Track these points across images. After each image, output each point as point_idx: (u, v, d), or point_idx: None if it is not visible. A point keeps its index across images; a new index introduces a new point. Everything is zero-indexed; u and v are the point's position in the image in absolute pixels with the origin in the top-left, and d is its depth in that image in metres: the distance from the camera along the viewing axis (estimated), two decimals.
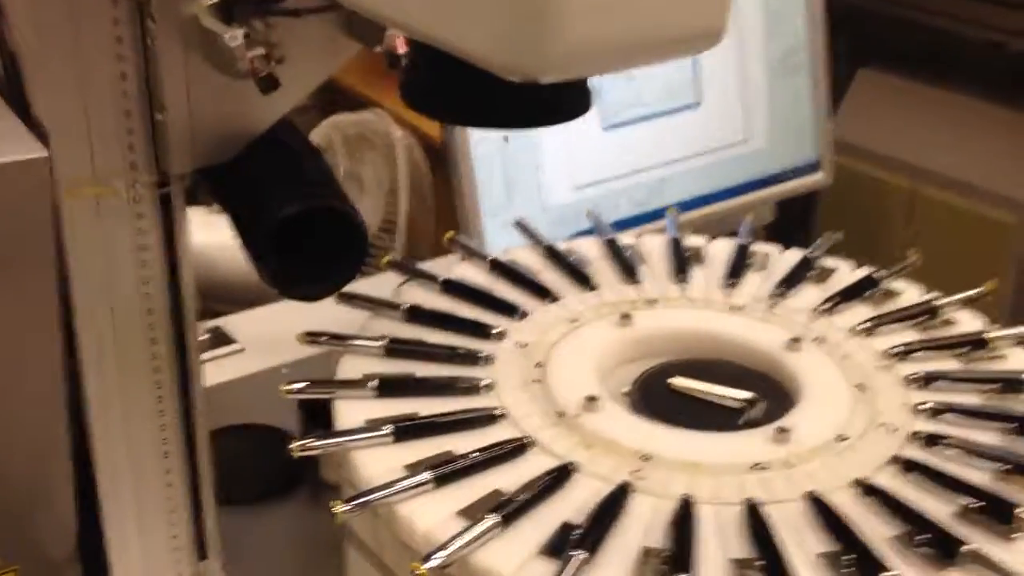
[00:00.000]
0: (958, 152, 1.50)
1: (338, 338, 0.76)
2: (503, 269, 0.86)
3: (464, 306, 0.81)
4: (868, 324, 0.80)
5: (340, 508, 0.61)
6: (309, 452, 0.66)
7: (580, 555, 0.57)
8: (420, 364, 0.74)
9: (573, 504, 0.62)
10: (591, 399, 0.70)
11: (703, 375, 0.76)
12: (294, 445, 0.65)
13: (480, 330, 0.78)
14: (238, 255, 0.70)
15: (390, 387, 0.71)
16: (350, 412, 0.69)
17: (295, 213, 0.65)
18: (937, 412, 0.71)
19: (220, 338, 1.18)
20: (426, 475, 0.62)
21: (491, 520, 0.59)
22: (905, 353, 0.77)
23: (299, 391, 0.71)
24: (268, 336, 1.18)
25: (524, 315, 0.80)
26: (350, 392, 0.71)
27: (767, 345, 0.78)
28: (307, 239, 0.68)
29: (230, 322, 1.20)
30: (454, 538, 0.58)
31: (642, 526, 0.61)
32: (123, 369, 0.72)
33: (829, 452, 0.67)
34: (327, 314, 0.77)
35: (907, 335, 0.79)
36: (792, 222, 1.39)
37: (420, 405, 0.70)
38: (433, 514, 0.61)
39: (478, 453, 0.65)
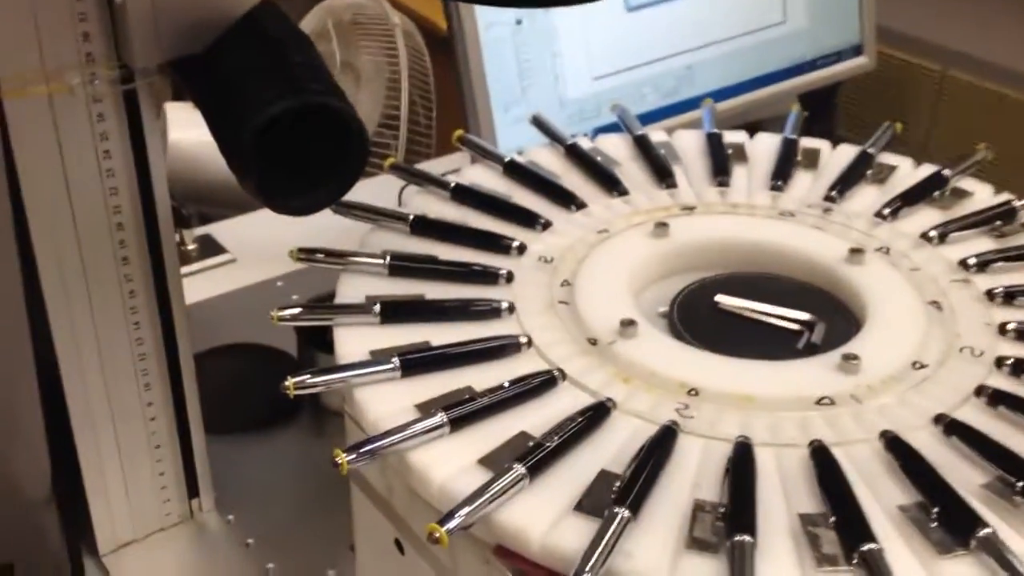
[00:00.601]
0: (988, 35, 1.40)
1: (335, 255, 0.68)
2: (520, 172, 0.77)
3: (477, 215, 0.73)
4: (938, 231, 0.71)
5: (344, 458, 0.53)
6: (306, 390, 0.57)
7: (622, 513, 0.49)
8: (429, 284, 0.66)
9: (611, 449, 0.54)
10: (627, 323, 0.61)
11: (751, 292, 0.67)
12: (289, 382, 0.57)
13: (497, 243, 0.69)
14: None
15: (396, 312, 0.63)
16: (351, 341, 0.61)
17: (281, 112, 0.56)
18: None
19: (209, 247, 1.10)
20: (440, 417, 0.54)
21: (517, 470, 0.51)
22: (983, 264, 0.68)
23: (292, 318, 0.63)
24: (262, 245, 1.10)
25: (546, 225, 0.71)
26: (351, 318, 0.63)
27: (824, 257, 0.69)
28: (296, 143, 0.59)
29: (220, 229, 1.12)
30: (476, 494, 0.50)
31: (691, 475, 0.53)
32: (92, 291, 0.64)
33: (904, 383, 0.59)
34: (326, 221, 0.68)
35: (983, 243, 0.71)
36: (813, 111, 1.28)
37: (431, 332, 0.62)
38: (450, 463, 0.53)
39: (500, 389, 0.57)
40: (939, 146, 1.43)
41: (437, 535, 0.48)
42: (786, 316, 0.65)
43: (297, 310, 0.63)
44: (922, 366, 0.60)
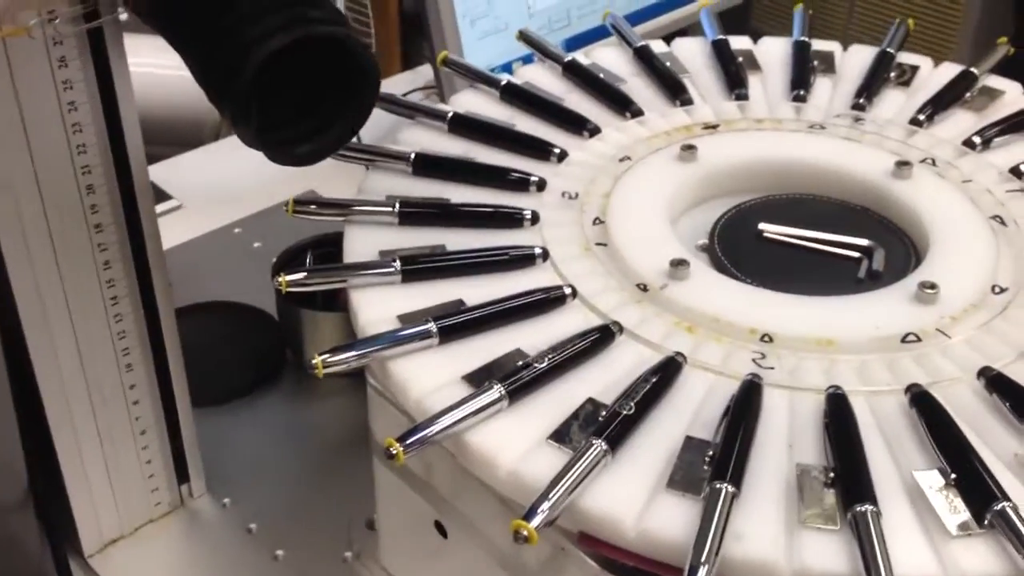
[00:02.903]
0: None
1: (336, 206, 0.61)
2: (520, 96, 0.70)
3: (482, 148, 0.66)
4: (981, 136, 0.67)
5: (399, 448, 0.46)
6: (334, 368, 0.51)
7: (725, 488, 0.44)
8: (447, 232, 0.59)
9: (689, 410, 0.49)
10: (677, 263, 0.56)
11: (792, 217, 0.62)
12: (317, 361, 0.50)
13: (513, 180, 0.63)
14: (163, 84, 0.54)
15: (418, 268, 0.56)
16: (373, 306, 0.55)
17: (284, 46, 0.48)
18: None
19: None
20: (497, 390, 0.48)
21: (597, 446, 0.46)
22: None
23: (302, 282, 0.56)
24: (210, 187, 1.01)
25: (562, 156, 0.65)
26: (367, 278, 0.56)
27: (868, 172, 0.64)
28: (293, 80, 0.52)
29: (160, 172, 1.03)
30: (557, 479, 0.44)
31: (784, 434, 0.48)
32: (62, 264, 0.56)
33: (987, 310, 0.54)
34: None
35: None
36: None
37: (459, 289, 0.55)
38: (516, 442, 0.47)
39: (554, 351, 0.51)
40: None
41: (525, 533, 0.43)
42: (841, 243, 0.60)
43: (303, 274, 0.56)
44: (1001, 290, 0.56)
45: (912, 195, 0.62)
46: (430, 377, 0.50)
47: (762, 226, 0.61)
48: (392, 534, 0.63)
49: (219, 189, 1.00)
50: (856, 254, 0.59)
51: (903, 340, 0.52)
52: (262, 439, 0.74)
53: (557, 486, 0.44)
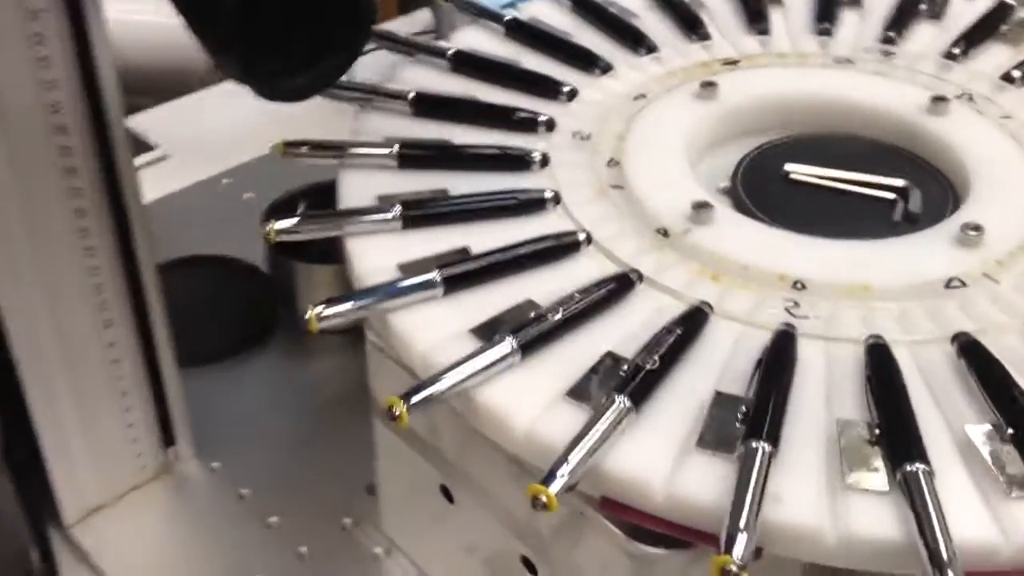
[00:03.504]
0: None
1: (330, 147, 0.57)
2: (526, 32, 0.66)
3: (486, 88, 0.62)
4: (1021, 71, 0.63)
5: (402, 407, 0.42)
6: (330, 322, 0.47)
7: (762, 447, 0.40)
8: (450, 175, 0.55)
9: (717, 363, 0.45)
10: (700, 206, 0.52)
11: (819, 157, 0.58)
12: (311, 314, 0.46)
13: (520, 120, 0.59)
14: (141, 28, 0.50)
15: (420, 213, 0.52)
16: (371, 255, 0.51)
17: None
18: None
19: (133, 144, 0.96)
20: (509, 343, 0.45)
21: (620, 403, 0.42)
22: None
23: (292, 230, 0.52)
24: (196, 136, 0.97)
25: (572, 94, 0.61)
26: (364, 225, 0.52)
27: (901, 108, 0.60)
28: (283, 8, 0.48)
29: (143, 122, 0.99)
30: (577, 440, 0.41)
31: (821, 388, 0.44)
32: (31, 213, 0.52)
33: None
34: (272, 104, 0.56)
35: None
36: None
37: (465, 236, 0.52)
38: (532, 400, 0.44)
39: (568, 302, 0.47)
40: None
41: (544, 499, 0.39)
42: (874, 183, 0.56)
43: (294, 220, 0.52)
44: None
45: (949, 132, 0.58)
46: (435, 331, 0.47)
47: (788, 167, 0.57)
48: (394, 500, 0.60)
49: (207, 138, 0.95)
50: (891, 195, 0.56)
51: (947, 286, 0.49)
52: (253, 400, 0.70)
53: (577, 447, 0.40)
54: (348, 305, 0.48)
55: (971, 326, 0.47)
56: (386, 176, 0.55)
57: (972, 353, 0.45)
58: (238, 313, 0.75)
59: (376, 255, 0.51)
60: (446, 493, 0.54)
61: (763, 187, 0.57)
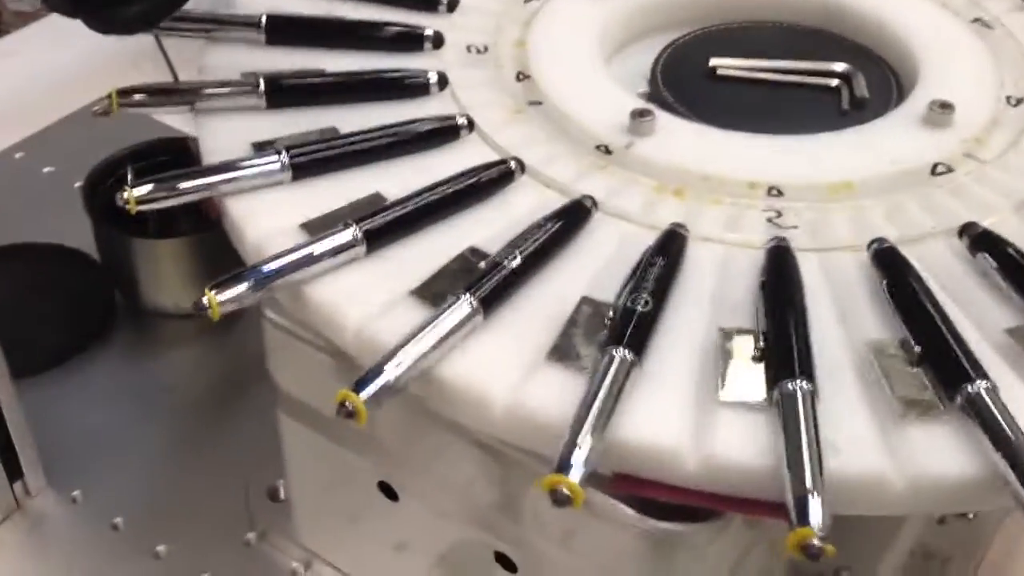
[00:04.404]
0: None
1: (174, 92, 0.47)
2: None
3: (349, 3, 0.53)
4: None
5: (358, 400, 0.34)
6: (233, 305, 0.38)
7: (800, 387, 0.34)
8: (334, 111, 0.46)
9: (707, 294, 0.39)
10: (641, 114, 0.45)
11: (742, 49, 0.52)
12: (209, 298, 0.37)
13: (402, 37, 0.50)
14: None
15: (310, 162, 0.43)
16: (262, 216, 0.42)
17: None
18: None
19: None
20: (468, 302, 0.37)
21: (622, 356, 0.35)
22: None
23: (151, 197, 0.42)
24: None
25: (452, 4, 0.53)
26: (245, 180, 0.43)
27: None
28: None
29: None
30: (584, 409, 0.33)
31: (831, 308, 0.38)
32: None
33: (1010, 126, 0.46)
34: (70, 55, 0.46)
35: None
36: None
37: (370, 180, 0.43)
38: (504, 368, 0.36)
39: (519, 247, 0.39)
40: None
41: (566, 491, 0.31)
42: (812, 70, 0.50)
43: (152, 185, 0.42)
44: (1018, 101, 0.47)
45: (874, 6, 0.53)
46: (369, 299, 0.38)
47: (714, 61, 0.51)
48: (311, 505, 0.51)
49: None
50: (833, 81, 0.50)
51: (932, 172, 0.43)
52: (105, 408, 0.59)
53: (586, 423, 0.33)
54: (249, 282, 0.38)
55: (968, 213, 0.42)
56: (255, 120, 0.46)
57: (985, 246, 0.40)
58: (69, 307, 0.63)
59: (269, 216, 0.42)
60: (386, 490, 0.46)
61: (688, 87, 0.50)
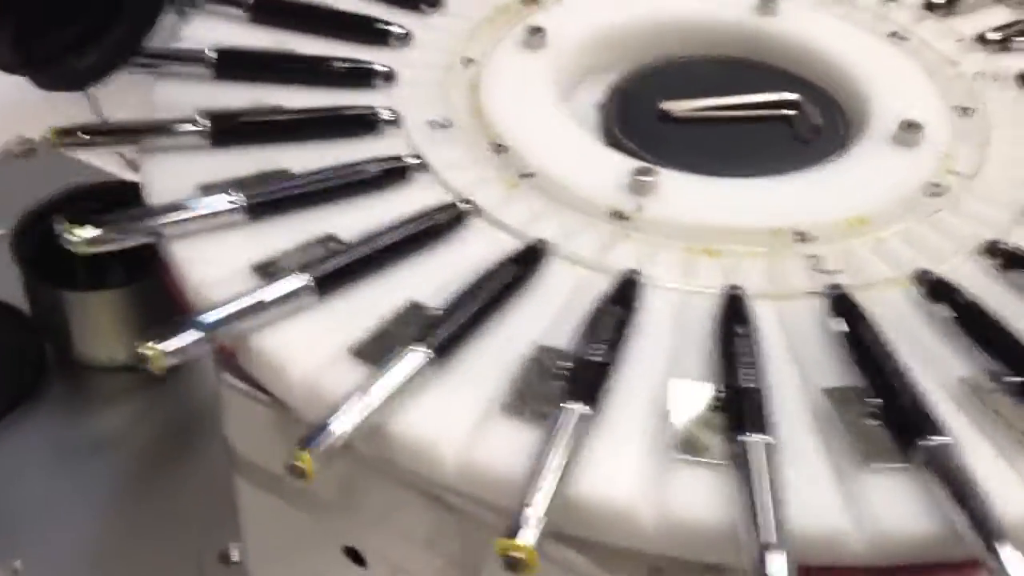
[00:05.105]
0: None
1: (117, 132, 0.28)
2: None
3: (300, 39, 0.35)
4: None
5: (306, 457, 0.20)
6: (177, 357, 0.21)
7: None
8: (279, 150, 0.29)
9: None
10: (643, 172, 0.30)
11: (676, 87, 0.37)
12: (152, 350, 0.20)
13: (357, 74, 0.33)
14: None
15: (267, 203, 0.26)
16: (210, 260, 0.26)
17: None
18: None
19: None
20: (423, 352, 0.22)
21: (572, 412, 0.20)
22: None
23: (100, 240, 0.25)
24: None
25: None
26: (199, 220, 0.26)
27: (726, 16, 0.39)
28: None
29: None
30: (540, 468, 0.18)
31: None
32: None
33: (972, 138, 0.33)
34: None
35: None
36: None
37: (326, 220, 0.27)
38: (444, 415, 0.20)
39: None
40: None
41: (520, 555, 0.17)
42: (760, 103, 0.36)
43: (100, 230, 0.24)
44: (964, 110, 0.34)
45: (796, 32, 0.39)
46: (316, 348, 0.24)
47: (666, 106, 0.35)
48: (269, 569, 0.33)
49: None
50: (789, 111, 0.36)
51: (929, 194, 0.30)
52: (41, 472, 0.40)
53: (540, 478, 0.20)
54: (193, 334, 0.23)
55: (973, 230, 0.29)
56: (199, 161, 0.28)
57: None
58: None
59: (218, 260, 0.25)
60: (353, 555, 0.29)
61: (644, 134, 0.34)
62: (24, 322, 0.44)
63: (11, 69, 0.24)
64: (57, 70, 0.25)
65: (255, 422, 0.28)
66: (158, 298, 0.39)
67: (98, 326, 0.42)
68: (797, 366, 0.24)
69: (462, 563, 0.26)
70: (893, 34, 0.39)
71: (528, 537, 0.19)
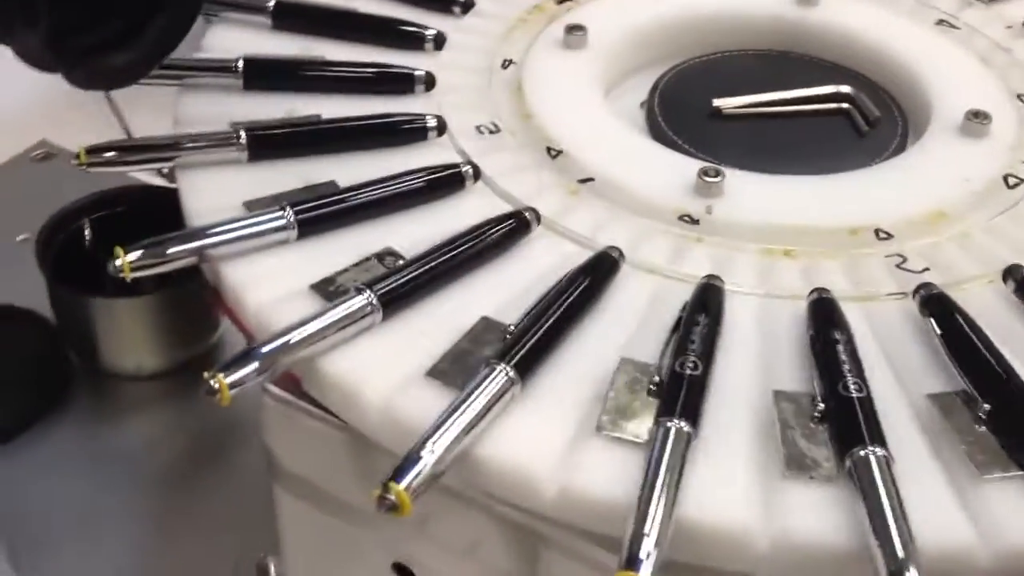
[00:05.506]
0: None
1: (150, 148, 0.26)
2: None
3: (328, 45, 0.33)
4: None
5: (399, 488, 0.18)
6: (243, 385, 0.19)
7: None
8: (326, 162, 0.27)
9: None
10: (710, 174, 0.28)
11: (727, 85, 0.35)
12: (219, 382, 0.18)
13: (396, 79, 0.31)
14: None
15: (315, 218, 0.25)
16: (266, 280, 0.24)
17: None
18: None
19: None
20: (503, 371, 0.20)
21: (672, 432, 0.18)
22: None
23: (148, 262, 0.23)
24: None
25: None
26: (247, 240, 0.24)
27: (771, 8, 0.38)
28: None
29: None
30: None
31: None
32: None
33: None
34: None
35: None
36: None
37: (380, 235, 0.26)
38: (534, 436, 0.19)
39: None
40: None
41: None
42: (812, 97, 0.34)
43: (147, 249, 0.23)
44: None
45: (841, 23, 0.37)
46: (389, 371, 0.22)
47: (717, 102, 0.34)
48: None
49: None
50: (844, 105, 0.34)
51: (1010, 186, 0.28)
52: (65, 483, 0.38)
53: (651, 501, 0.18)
54: (258, 363, 0.21)
55: None
56: (240, 175, 0.27)
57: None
58: (22, 375, 0.40)
59: (273, 281, 0.24)
60: (400, 570, 0.27)
61: (699, 132, 0.33)
62: (49, 330, 0.41)
63: (46, 67, 0.22)
64: (93, 68, 0.23)
65: (300, 434, 0.26)
66: (187, 305, 0.38)
67: (125, 334, 0.40)
68: (892, 371, 0.23)
69: None
70: (941, 22, 0.38)
71: (645, 570, 0.18)
